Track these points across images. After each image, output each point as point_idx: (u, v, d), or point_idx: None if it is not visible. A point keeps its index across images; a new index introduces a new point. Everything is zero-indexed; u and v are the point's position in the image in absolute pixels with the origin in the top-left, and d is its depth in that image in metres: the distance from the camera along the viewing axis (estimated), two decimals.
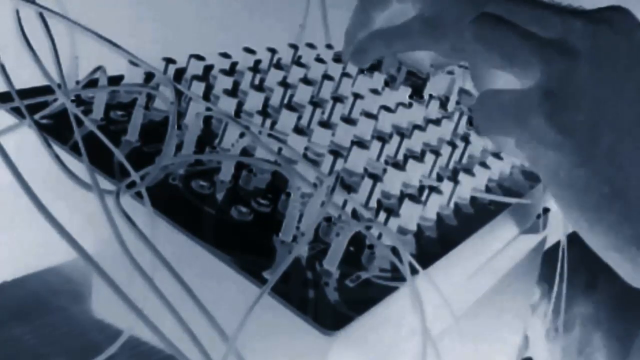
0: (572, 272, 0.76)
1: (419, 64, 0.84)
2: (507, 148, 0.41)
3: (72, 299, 0.49)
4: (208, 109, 0.54)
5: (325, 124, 0.59)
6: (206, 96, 0.59)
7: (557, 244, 0.74)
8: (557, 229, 0.78)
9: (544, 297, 0.96)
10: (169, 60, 0.59)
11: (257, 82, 0.64)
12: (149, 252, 0.37)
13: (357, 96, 0.67)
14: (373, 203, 0.53)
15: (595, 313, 0.94)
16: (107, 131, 0.50)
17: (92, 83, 0.51)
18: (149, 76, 0.58)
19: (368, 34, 0.74)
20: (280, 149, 0.52)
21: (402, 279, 0.45)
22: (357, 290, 0.46)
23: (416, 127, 0.67)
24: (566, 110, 0.37)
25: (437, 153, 0.63)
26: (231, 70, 0.64)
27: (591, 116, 0.37)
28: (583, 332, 0.94)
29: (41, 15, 0.44)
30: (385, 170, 0.57)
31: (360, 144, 0.57)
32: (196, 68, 0.61)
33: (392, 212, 0.50)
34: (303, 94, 0.65)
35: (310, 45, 0.76)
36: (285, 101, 0.63)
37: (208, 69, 0.64)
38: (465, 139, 0.70)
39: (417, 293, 0.43)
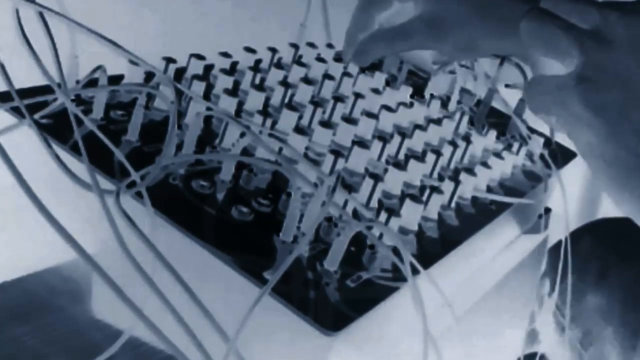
0: (583, 263, 0.76)
1: (421, 61, 0.84)
2: (554, 125, 0.46)
3: (72, 299, 0.49)
4: (208, 109, 0.53)
5: (326, 124, 0.59)
6: (206, 96, 0.59)
7: (566, 238, 0.74)
8: (559, 229, 0.78)
9: (552, 290, 0.96)
10: (169, 60, 0.58)
11: (257, 81, 0.64)
12: (149, 252, 0.37)
13: (358, 96, 0.67)
14: (374, 203, 0.53)
15: (607, 304, 0.93)
16: (107, 131, 0.50)
17: (92, 83, 0.51)
18: (149, 76, 0.58)
19: (370, 34, 0.74)
20: (280, 149, 0.52)
21: (403, 279, 0.45)
22: (358, 291, 0.46)
23: (417, 126, 0.67)
24: (598, 93, 0.42)
25: (438, 153, 0.63)
26: (232, 70, 0.64)
27: (621, 97, 0.42)
28: (594, 323, 0.94)
29: (41, 15, 0.43)
30: (386, 170, 0.57)
31: (361, 143, 0.57)
32: (196, 67, 0.61)
33: (393, 212, 0.50)
34: (304, 93, 0.65)
35: (311, 45, 0.76)
36: (286, 101, 0.63)
37: (208, 68, 0.64)
38: (467, 139, 0.69)
39: (418, 293, 0.43)
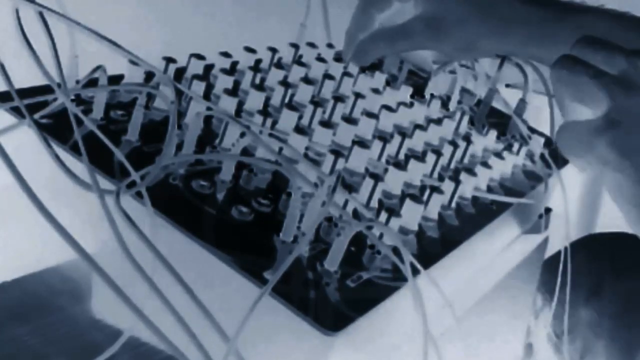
0: (576, 278, 0.76)
1: (421, 61, 0.84)
2: (584, 169, 0.47)
3: (72, 299, 0.49)
4: (208, 109, 0.53)
5: (326, 124, 0.59)
6: (207, 96, 0.59)
7: (558, 253, 0.75)
8: (559, 231, 0.78)
9: (545, 304, 0.96)
10: (169, 60, 0.58)
11: (257, 81, 0.64)
12: (149, 252, 0.37)
13: (358, 95, 0.67)
14: (374, 203, 0.53)
15: (599, 320, 0.94)
16: (107, 131, 0.50)
17: (92, 82, 0.51)
18: (149, 75, 0.58)
19: (370, 34, 0.75)
20: (281, 149, 0.52)
21: (404, 279, 0.45)
22: (358, 291, 0.45)
23: (417, 126, 0.67)
24: (626, 137, 0.43)
25: (438, 153, 0.63)
26: (232, 70, 0.64)
27: None
28: (586, 339, 0.94)
29: (41, 15, 0.43)
30: (386, 170, 0.57)
31: (362, 143, 0.57)
32: (197, 67, 0.61)
33: (393, 212, 0.50)
34: (304, 93, 0.65)
35: (311, 45, 0.76)
36: (286, 101, 0.63)
37: (208, 68, 0.64)
38: (467, 139, 0.69)
39: (419, 293, 0.43)
